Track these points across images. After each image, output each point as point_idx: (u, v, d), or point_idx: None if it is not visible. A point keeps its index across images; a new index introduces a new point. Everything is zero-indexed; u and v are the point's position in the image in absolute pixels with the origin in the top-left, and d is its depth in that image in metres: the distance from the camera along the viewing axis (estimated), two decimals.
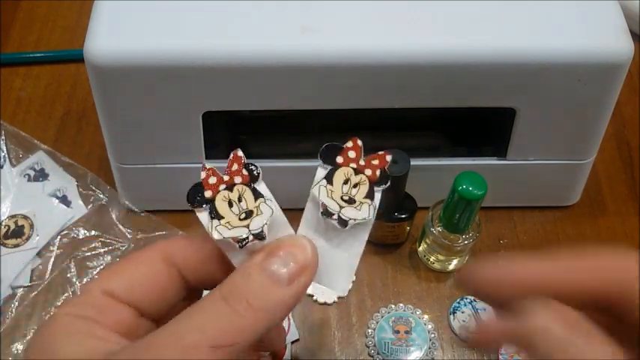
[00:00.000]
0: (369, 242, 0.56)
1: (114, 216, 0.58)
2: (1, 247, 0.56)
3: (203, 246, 0.32)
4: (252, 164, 0.32)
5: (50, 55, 0.69)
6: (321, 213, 0.31)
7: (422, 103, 0.50)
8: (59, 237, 0.57)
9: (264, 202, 0.31)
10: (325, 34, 0.47)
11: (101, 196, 0.59)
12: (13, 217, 0.57)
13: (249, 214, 0.31)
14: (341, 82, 0.48)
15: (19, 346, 0.51)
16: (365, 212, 0.32)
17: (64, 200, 0.59)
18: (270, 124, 0.57)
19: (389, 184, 0.33)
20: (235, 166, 0.32)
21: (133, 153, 0.53)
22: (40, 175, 0.60)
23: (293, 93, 0.49)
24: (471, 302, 0.54)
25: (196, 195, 0.31)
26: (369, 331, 0.53)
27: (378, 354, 0.52)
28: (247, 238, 0.30)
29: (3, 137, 0.62)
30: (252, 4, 0.48)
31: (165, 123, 0.50)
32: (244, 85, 0.48)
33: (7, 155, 0.60)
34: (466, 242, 0.53)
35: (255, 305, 0.28)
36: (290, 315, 0.53)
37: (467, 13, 0.48)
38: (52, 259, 0.56)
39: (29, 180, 0.60)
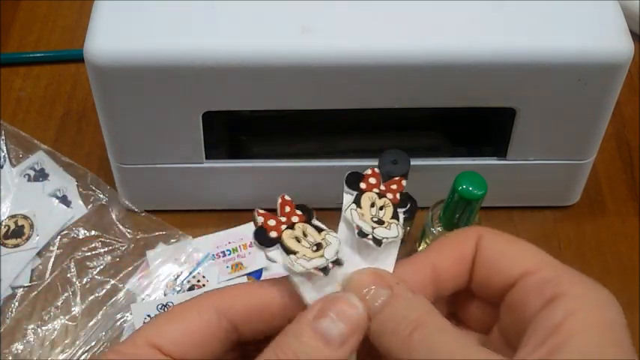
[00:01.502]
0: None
1: (114, 216, 0.58)
2: (1, 247, 0.56)
3: (255, 294, 0.31)
4: (303, 205, 0.34)
5: (50, 55, 0.69)
6: (357, 234, 0.33)
7: (422, 103, 0.50)
8: (59, 237, 0.57)
9: (328, 234, 0.33)
10: (325, 34, 0.47)
11: (101, 196, 0.59)
12: (13, 217, 0.57)
13: (319, 245, 0.32)
14: (341, 82, 0.48)
15: (19, 346, 0.51)
16: (395, 231, 0.34)
17: (64, 200, 0.59)
18: (270, 124, 0.57)
19: (409, 205, 0.35)
20: (288, 208, 0.33)
21: (133, 153, 0.53)
22: (40, 175, 0.60)
23: (293, 93, 0.49)
24: None
25: (263, 237, 0.32)
26: None
27: None
28: (327, 266, 0.31)
29: (3, 137, 0.61)
30: (252, 4, 0.48)
31: (165, 123, 0.50)
32: (244, 85, 0.48)
33: (7, 155, 0.60)
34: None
35: None
36: None
37: (467, 13, 0.48)
38: (52, 259, 0.56)
39: (29, 180, 0.60)
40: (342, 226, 0.34)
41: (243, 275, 0.55)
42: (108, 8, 0.47)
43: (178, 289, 0.54)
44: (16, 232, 0.56)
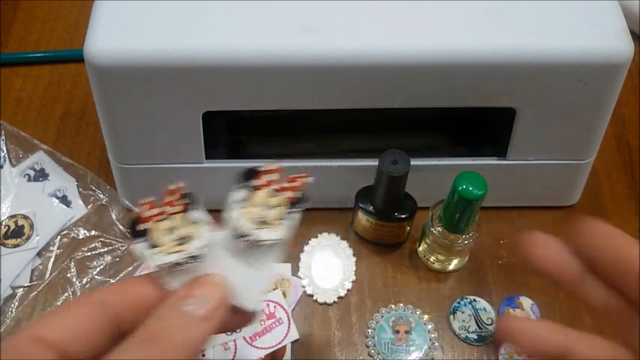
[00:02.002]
0: (369, 242, 0.57)
1: (114, 216, 0.58)
2: (1, 247, 0.56)
3: (133, 288, 0.33)
4: (189, 193, 0.33)
5: (50, 55, 0.69)
6: (235, 235, 0.33)
7: (422, 103, 0.50)
8: (59, 237, 0.57)
9: (201, 226, 0.33)
10: (325, 34, 0.47)
11: (101, 196, 0.59)
12: (13, 217, 0.57)
13: (186, 239, 0.32)
14: (341, 82, 0.48)
15: None
16: (278, 233, 0.33)
17: (64, 200, 0.59)
18: (270, 124, 0.57)
19: (306, 205, 0.34)
20: (172, 197, 0.33)
21: (133, 153, 0.53)
22: (40, 175, 0.60)
23: (293, 93, 0.49)
24: (471, 302, 0.54)
25: (134, 227, 0.32)
26: (369, 331, 0.53)
27: (378, 354, 0.52)
28: (181, 262, 0.32)
29: (3, 137, 0.62)
30: (252, 4, 0.48)
31: (165, 123, 0.50)
32: (244, 85, 0.48)
33: (7, 155, 0.60)
34: (466, 242, 0.53)
35: (174, 344, 0.30)
36: (290, 315, 0.53)
37: (467, 13, 0.48)
38: (52, 259, 0.56)
39: (29, 180, 0.60)
40: (227, 222, 0.34)
41: None
42: (108, 8, 0.47)
43: None
44: (16, 232, 0.57)
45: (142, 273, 0.54)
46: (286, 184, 0.34)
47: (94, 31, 0.46)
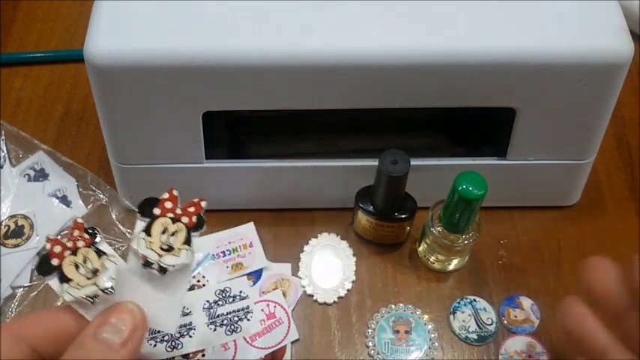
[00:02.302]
0: (369, 242, 0.57)
1: (114, 216, 0.58)
2: (1, 247, 0.56)
3: (52, 320, 0.34)
4: (92, 227, 0.36)
5: (50, 55, 0.69)
6: (142, 264, 0.35)
7: (422, 103, 0.50)
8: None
9: (108, 258, 0.35)
10: (325, 34, 0.47)
11: (101, 196, 0.59)
12: (13, 217, 0.57)
13: (95, 272, 0.34)
14: (341, 82, 0.48)
15: None
16: (183, 258, 0.35)
17: (64, 200, 0.59)
18: (270, 124, 0.57)
19: (204, 228, 0.36)
20: (76, 232, 0.35)
21: (133, 153, 0.53)
22: (40, 175, 0.60)
23: (293, 93, 0.49)
24: (471, 302, 0.54)
25: (44, 265, 0.34)
26: (369, 331, 0.53)
27: (378, 354, 0.52)
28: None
29: (3, 137, 0.62)
30: (253, 5, 0.48)
31: (165, 123, 0.50)
32: (244, 85, 0.48)
33: (7, 155, 0.60)
34: (466, 242, 0.53)
35: None
36: (290, 315, 0.53)
37: (467, 13, 0.48)
38: None
39: (29, 180, 0.60)
40: (130, 255, 0.35)
41: (243, 275, 0.55)
42: (108, 8, 0.47)
43: None
44: (16, 232, 0.57)
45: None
46: (184, 210, 0.37)
47: (94, 31, 0.46)
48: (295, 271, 0.56)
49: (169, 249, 0.35)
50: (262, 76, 0.47)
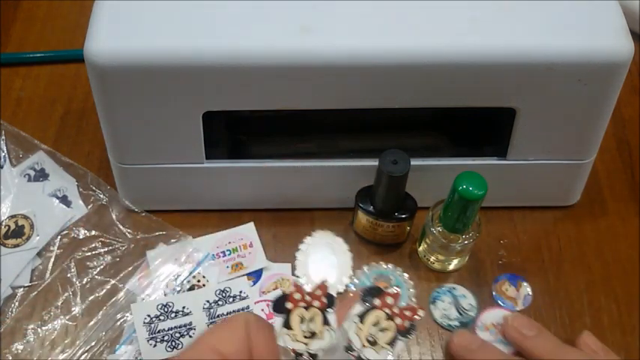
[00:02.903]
0: (369, 242, 0.57)
1: (114, 216, 0.58)
2: (1, 247, 0.56)
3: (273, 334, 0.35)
4: (332, 295, 0.37)
5: (50, 55, 0.69)
6: (345, 347, 0.35)
7: (422, 103, 0.50)
8: (59, 237, 0.57)
9: (329, 330, 0.35)
10: (325, 34, 0.47)
11: (101, 196, 0.59)
12: (13, 217, 0.57)
13: (313, 334, 0.35)
14: (341, 82, 0.48)
15: (19, 346, 0.51)
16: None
17: (64, 200, 0.59)
18: (270, 124, 0.57)
19: (412, 336, 0.37)
20: (319, 292, 0.36)
21: (133, 153, 0.53)
22: (40, 175, 0.60)
23: (293, 93, 0.49)
24: (449, 290, 0.55)
25: (281, 302, 0.36)
26: (351, 285, 0.54)
27: None
28: (302, 354, 0.35)
29: (3, 137, 0.62)
30: (252, 5, 0.48)
31: (165, 123, 0.50)
32: (244, 85, 0.48)
33: (7, 155, 0.60)
34: (466, 242, 0.53)
35: None
36: None
37: (467, 13, 0.48)
38: (53, 259, 0.56)
39: (29, 180, 0.60)
40: (340, 330, 0.36)
41: (243, 275, 0.55)
42: (108, 8, 0.47)
43: (178, 288, 0.54)
44: (16, 232, 0.57)
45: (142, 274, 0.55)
46: (400, 311, 0.37)
47: (94, 31, 0.46)
48: (293, 270, 0.56)
49: (373, 343, 0.36)
50: (262, 76, 0.47)
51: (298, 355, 0.35)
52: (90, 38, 0.46)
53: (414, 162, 0.51)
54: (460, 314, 0.53)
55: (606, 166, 0.62)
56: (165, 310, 0.52)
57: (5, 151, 0.61)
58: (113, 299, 0.53)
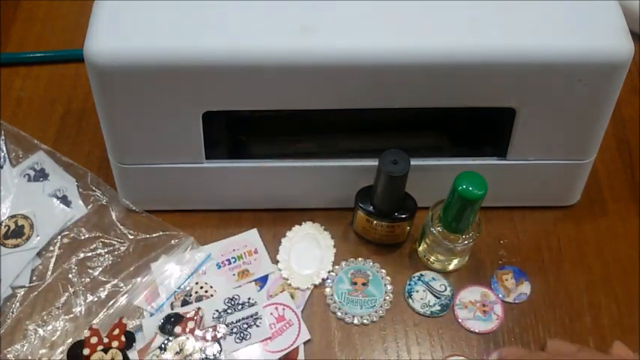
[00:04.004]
0: (369, 242, 0.57)
1: (114, 216, 0.58)
2: (1, 247, 0.56)
3: None
4: (131, 332, 0.38)
5: (50, 55, 0.69)
6: None
7: (422, 103, 0.50)
8: (60, 237, 0.57)
9: None
10: (325, 34, 0.47)
11: (101, 196, 0.59)
12: (13, 217, 0.57)
13: None
14: (341, 82, 0.48)
15: (19, 346, 0.51)
16: None
17: (64, 200, 0.59)
18: (270, 124, 0.57)
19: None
20: (117, 331, 0.37)
21: (133, 153, 0.53)
22: (40, 175, 0.60)
23: (293, 93, 0.49)
24: (419, 278, 0.55)
25: (77, 350, 0.37)
26: (328, 281, 0.55)
27: (334, 303, 0.54)
28: None
29: (3, 137, 0.62)
30: (252, 5, 0.48)
31: (165, 123, 0.50)
32: (244, 85, 0.48)
33: (7, 155, 0.60)
34: (466, 242, 0.53)
35: None
36: (299, 316, 0.53)
37: (467, 13, 0.48)
38: (53, 260, 0.56)
39: (29, 180, 0.60)
40: None
41: (251, 282, 0.55)
42: (108, 8, 0.47)
43: (188, 299, 0.52)
44: (16, 232, 0.56)
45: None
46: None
47: (94, 31, 0.46)
48: (276, 254, 0.56)
49: None
50: (262, 76, 0.47)
51: None
52: (90, 38, 0.46)
53: (414, 162, 0.51)
54: (437, 297, 0.54)
55: (606, 166, 0.62)
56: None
57: (5, 151, 0.61)
58: (114, 300, 0.53)
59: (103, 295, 0.54)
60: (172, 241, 0.56)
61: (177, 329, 0.36)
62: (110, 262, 0.55)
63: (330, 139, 0.57)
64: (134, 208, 0.58)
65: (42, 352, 0.51)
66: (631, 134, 0.65)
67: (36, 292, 0.54)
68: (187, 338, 0.36)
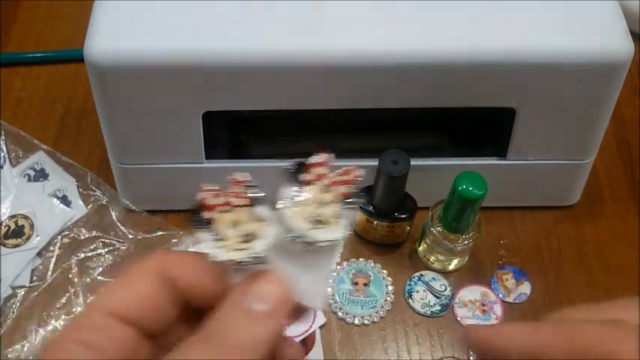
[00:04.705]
0: (369, 242, 0.57)
1: (114, 216, 0.58)
2: (1, 247, 0.56)
3: (200, 262, 0.31)
4: (254, 186, 0.31)
5: (50, 55, 0.69)
6: (291, 236, 0.30)
7: (422, 103, 0.50)
8: (60, 237, 0.57)
9: (266, 225, 0.30)
10: (325, 34, 0.47)
11: (101, 196, 0.59)
12: (13, 217, 0.57)
13: (249, 236, 0.30)
14: (341, 82, 0.48)
15: (19, 347, 0.51)
16: (335, 232, 0.30)
17: (64, 200, 0.59)
18: (270, 124, 0.57)
19: (361, 199, 0.32)
20: (239, 188, 0.30)
21: (133, 153, 0.53)
22: (40, 175, 0.60)
23: (293, 93, 0.49)
24: (419, 278, 0.55)
25: (198, 215, 0.30)
26: (330, 282, 0.55)
27: (335, 303, 0.54)
28: (245, 261, 0.29)
29: (3, 137, 0.62)
30: (253, 5, 0.48)
31: (165, 123, 0.50)
32: (244, 85, 0.48)
33: (7, 155, 0.60)
34: (466, 242, 0.53)
35: (238, 345, 0.28)
36: None
37: (467, 13, 0.48)
38: (54, 260, 0.56)
39: (29, 180, 0.60)
40: (278, 221, 0.31)
41: None
42: (108, 8, 0.47)
43: None
44: (16, 232, 0.57)
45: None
46: (337, 178, 0.31)
47: (94, 31, 0.46)
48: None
49: (320, 221, 0.30)
50: (262, 76, 0.47)
51: (242, 264, 0.29)
52: (90, 38, 0.46)
53: (414, 162, 0.51)
54: (437, 297, 0.54)
55: (606, 166, 0.62)
56: None
57: (5, 151, 0.61)
58: None
59: None
60: (172, 241, 0.56)
61: (306, 176, 0.31)
62: (110, 262, 0.56)
63: (330, 139, 0.57)
64: (134, 208, 0.58)
65: None
66: (631, 134, 0.65)
67: (36, 292, 0.54)
68: (325, 185, 0.31)
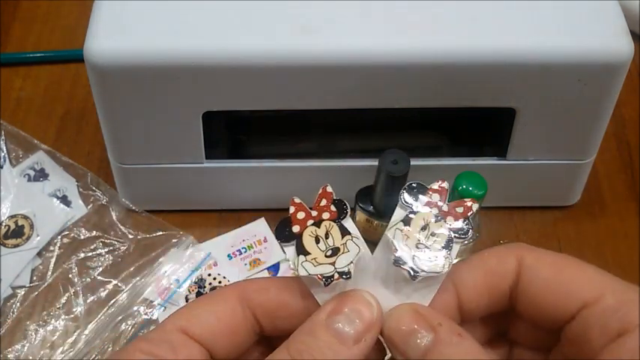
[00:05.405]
0: (369, 242, 0.57)
1: (114, 216, 0.58)
2: (1, 247, 0.56)
3: (280, 285, 0.31)
4: (340, 200, 0.31)
5: (50, 55, 0.69)
6: (393, 260, 0.29)
7: (422, 103, 0.50)
8: (60, 237, 0.57)
9: (351, 239, 0.30)
10: (325, 34, 0.47)
11: (101, 196, 0.59)
12: (13, 217, 0.57)
13: (335, 251, 0.30)
14: (341, 82, 0.48)
15: (19, 347, 0.51)
16: (439, 265, 0.29)
17: (64, 200, 0.59)
18: (270, 124, 0.57)
19: (474, 237, 0.31)
20: (324, 202, 0.31)
21: (133, 153, 0.53)
22: (40, 175, 0.60)
23: (293, 93, 0.49)
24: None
25: (284, 229, 0.30)
26: None
27: None
28: (333, 275, 0.29)
29: (3, 137, 0.61)
30: (252, 4, 0.48)
31: (165, 123, 0.50)
32: (244, 85, 0.48)
33: (7, 155, 0.60)
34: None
35: None
36: None
37: (467, 12, 0.48)
38: (54, 260, 0.56)
39: (29, 180, 0.60)
40: (380, 246, 0.31)
41: (263, 270, 0.55)
42: (108, 8, 0.47)
43: (202, 290, 0.54)
44: (16, 232, 0.56)
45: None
46: (451, 209, 0.31)
47: (94, 31, 0.46)
48: None
49: (424, 250, 0.30)
50: (262, 76, 0.47)
51: (328, 279, 0.29)
52: (90, 38, 0.46)
53: (414, 162, 0.51)
54: None
55: (606, 166, 0.62)
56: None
57: (5, 151, 0.61)
58: (114, 299, 0.53)
59: (103, 295, 0.54)
60: (172, 241, 0.56)
61: (422, 200, 0.30)
62: (110, 262, 0.55)
63: (330, 139, 0.57)
64: (134, 208, 0.58)
65: (42, 353, 0.51)
66: (631, 134, 0.65)
67: (36, 292, 0.54)
68: (435, 214, 0.30)
